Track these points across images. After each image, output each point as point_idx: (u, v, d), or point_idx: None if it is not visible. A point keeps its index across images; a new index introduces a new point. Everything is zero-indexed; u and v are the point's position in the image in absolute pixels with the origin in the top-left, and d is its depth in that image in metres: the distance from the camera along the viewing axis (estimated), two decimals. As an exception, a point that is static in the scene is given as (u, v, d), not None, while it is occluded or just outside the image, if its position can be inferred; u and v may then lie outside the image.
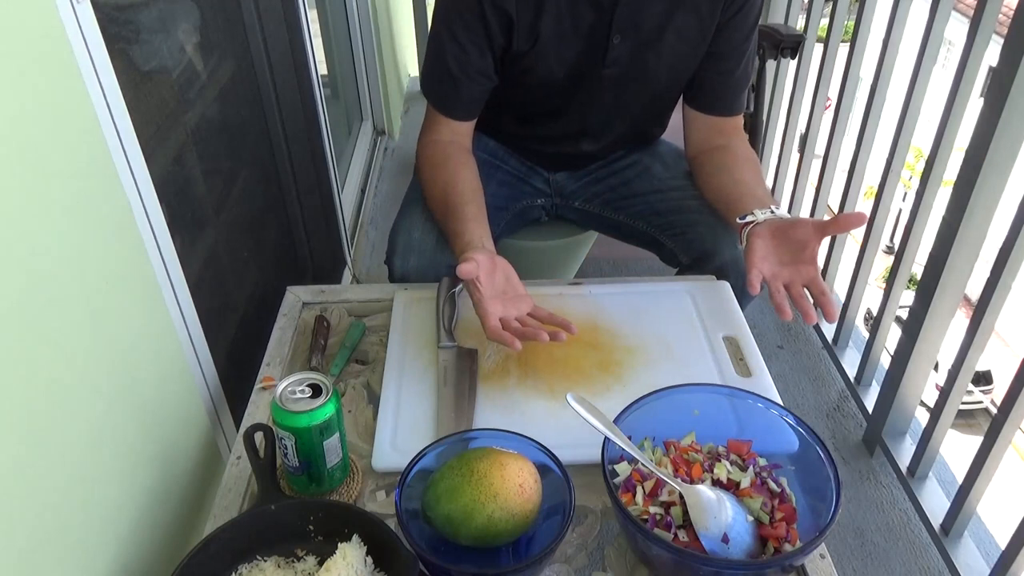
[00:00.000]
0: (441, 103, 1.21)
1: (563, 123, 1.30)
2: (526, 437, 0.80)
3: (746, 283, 1.00)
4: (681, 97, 1.29)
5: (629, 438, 0.78)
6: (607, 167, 1.40)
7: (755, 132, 2.06)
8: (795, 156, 2.19)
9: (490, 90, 1.21)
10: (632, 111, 1.29)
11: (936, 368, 1.64)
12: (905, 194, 7.22)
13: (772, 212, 1.06)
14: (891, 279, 1.62)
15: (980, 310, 1.33)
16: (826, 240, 1.03)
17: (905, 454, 1.57)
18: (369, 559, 0.71)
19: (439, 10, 1.15)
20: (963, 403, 1.46)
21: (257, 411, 0.96)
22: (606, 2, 1.12)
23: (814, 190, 1.99)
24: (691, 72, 1.23)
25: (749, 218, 1.06)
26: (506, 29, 1.13)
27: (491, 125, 1.35)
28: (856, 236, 1.29)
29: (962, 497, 1.37)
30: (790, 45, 1.91)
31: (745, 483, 0.79)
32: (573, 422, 0.79)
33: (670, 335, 1.06)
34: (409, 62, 3.26)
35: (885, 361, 1.68)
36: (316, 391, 0.80)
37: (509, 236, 1.43)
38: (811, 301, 1.01)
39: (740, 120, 1.30)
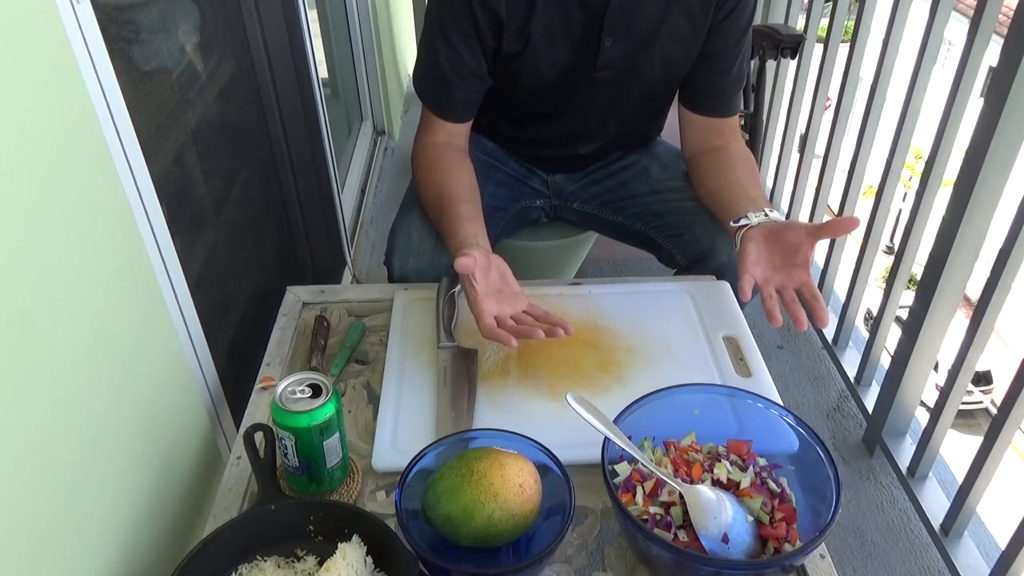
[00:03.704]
0: (435, 104, 1.21)
1: (558, 125, 1.30)
2: (526, 437, 0.80)
3: (738, 288, 1.00)
4: (676, 98, 1.29)
5: (629, 438, 0.78)
6: (604, 168, 1.40)
7: (755, 132, 2.06)
8: (795, 156, 2.19)
9: (484, 91, 1.21)
10: (627, 113, 1.29)
11: (936, 368, 1.64)
12: (905, 194, 7.22)
13: (766, 215, 1.05)
14: (891, 279, 1.62)
15: (980, 310, 1.33)
16: (825, 240, 1.03)
17: (905, 454, 1.57)
18: (369, 559, 0.71)
19: (431, 11, 1.15)
20: (963, 403, 1.46)
21: (257, 411, 0.96)
22: (597, 4, 1.11)
23: (814, 190, 1.99)
24: (685, 73, 1.23)
25: (743, 221, 1.06)
26: (496, 31, 1.12)
27: (489, 127, 1.35)
28: (856, 236, 1.28)
29: (962, 497, 1.37)
30: (790, 45, 1.91)
31: (745, 483, 0.79)
32: (573, 422, 0.79)
33: (670, 335, 1.06)
34: (409, 62, 3.26)
35: (885, 361, 1.68)
36: (316, 391, 0.80)
37: (509, 237, 1.43)
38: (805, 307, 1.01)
39: (736, 121, 1.29)
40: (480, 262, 0.95)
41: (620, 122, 1.31)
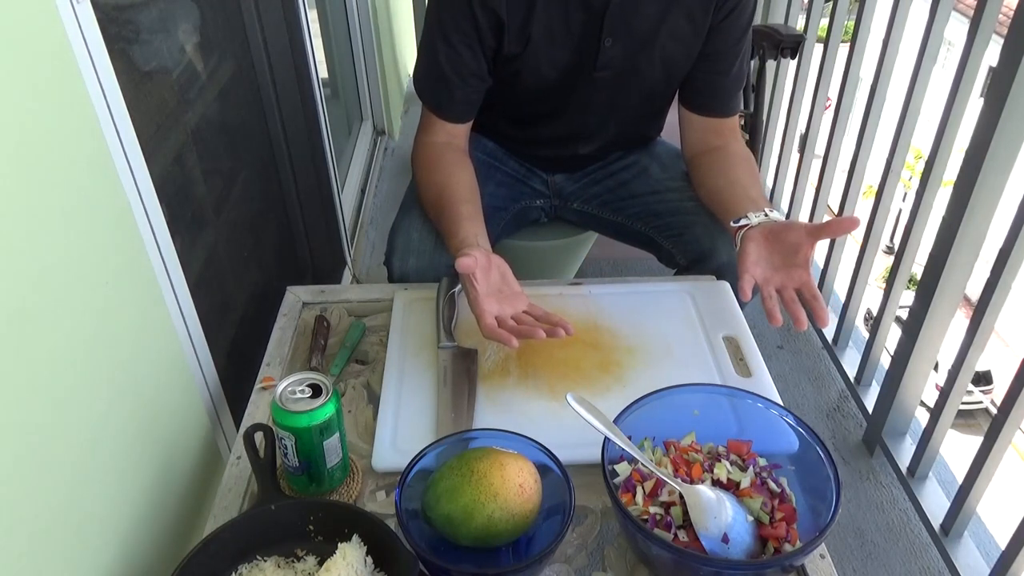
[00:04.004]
0: (435, 105, 1.21)
1: (558, 125, 1.30)
2: (526, 437, 0.80)
3: (738, 288, 1.00)
4: (676, 98, 1.29)
5: (629, 438, 0.78)
6: (604, 168, 1.40)
7: (755, 132, 2.06)
8: (795, 156, 2.19)
9: (484, 91, 1.21)
10: (626, 113, 1.29)
11: (936, 368, 1.64)
12: (905, 194, 7.22)
13: (766, 215, 1.05)
14: (891, 279, 1.62)
15: (980, 310, 1.33)
16: (825, 240, 1.03)
17: (905, 454, 1.57)
18: (369, 559, 0.71)
19: (431, 11, 1.15)
20: (963, 403, 1.46)
21: (257, 411, 0.96)
22: (597, 4, 1.11)
23: (814, 190, 1.99)
24: (685, 73, 1.23)
25: (743, 221, 1.06)
26: (496, 31, 1.12)
27: (489, 126, 1.35)
28: (856, 236, 1.29)
29: (962, 497, 1.37)
30: (790, 45, 1.91)
31: (745, 483, 0.79)
32: (573, 422, 0.79)
33: (670, 335, 1.06)
34: (409, 62, 3.26)
35: (885, 361, 1.68)
36: (316, 391, 0.80)
37: (509, 237, 1.43)
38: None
39: (736, 121, 1.29)
40: (481, 262, 0.95)
41: (620, 122, 1.31)
